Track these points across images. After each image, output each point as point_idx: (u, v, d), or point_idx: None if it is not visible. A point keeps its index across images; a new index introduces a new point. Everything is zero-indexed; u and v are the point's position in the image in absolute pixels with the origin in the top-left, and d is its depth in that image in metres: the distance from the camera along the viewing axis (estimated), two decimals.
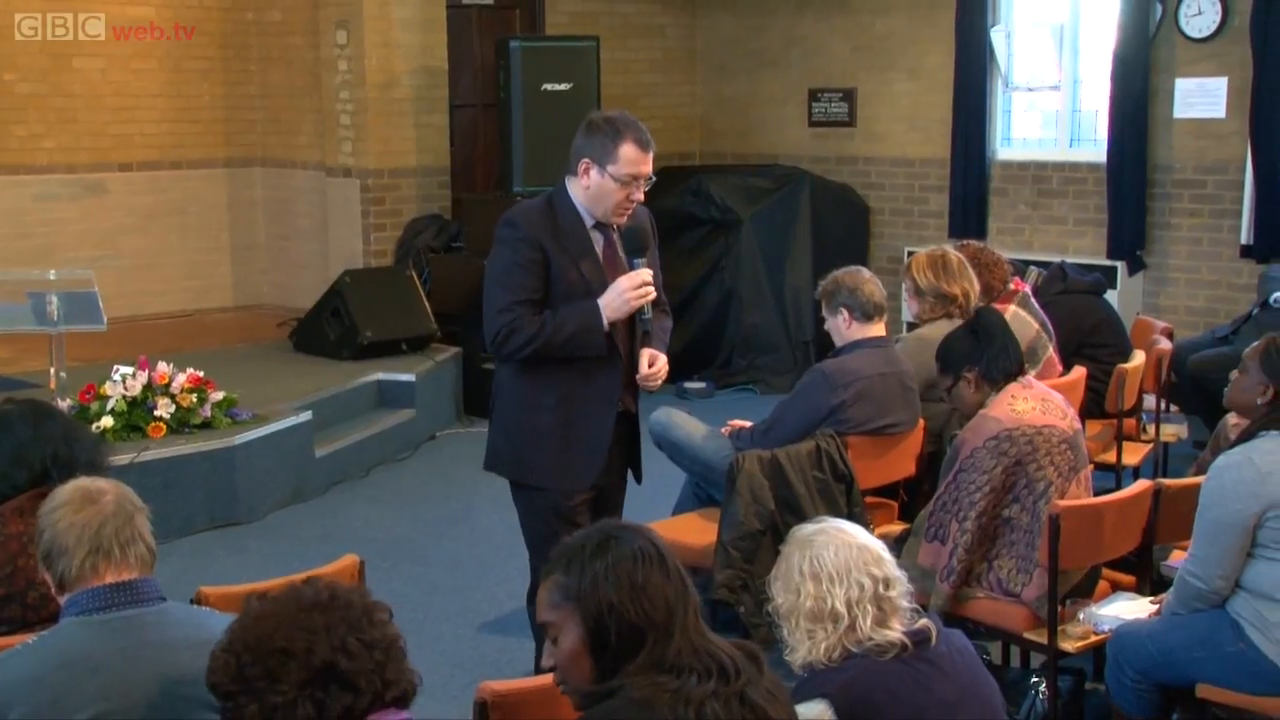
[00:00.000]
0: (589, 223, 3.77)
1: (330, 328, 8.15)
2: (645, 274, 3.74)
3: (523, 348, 3.70)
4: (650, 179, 3.74)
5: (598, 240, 3.79)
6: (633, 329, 3.85)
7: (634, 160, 3.65)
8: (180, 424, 6.28)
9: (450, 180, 9.30)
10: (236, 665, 2.06)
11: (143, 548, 2.56)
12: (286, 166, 9.81)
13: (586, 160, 3.69)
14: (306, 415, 6.83)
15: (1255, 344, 3.55)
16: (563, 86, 8.42)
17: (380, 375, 7.79)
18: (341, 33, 8.92)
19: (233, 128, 9.85)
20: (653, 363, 3.80)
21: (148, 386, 6.25)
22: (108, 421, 6.07)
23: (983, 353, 4.02)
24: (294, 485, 6.71)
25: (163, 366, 6.35)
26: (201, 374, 6.46)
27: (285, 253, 9.93)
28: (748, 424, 4.89)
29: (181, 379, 6.34)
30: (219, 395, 6.47)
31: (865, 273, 4.73)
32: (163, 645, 2.46)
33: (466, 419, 8.28)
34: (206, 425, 6.37)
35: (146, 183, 9.48)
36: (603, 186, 3.68)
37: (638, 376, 3.82)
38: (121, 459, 5.49)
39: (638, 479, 4.12)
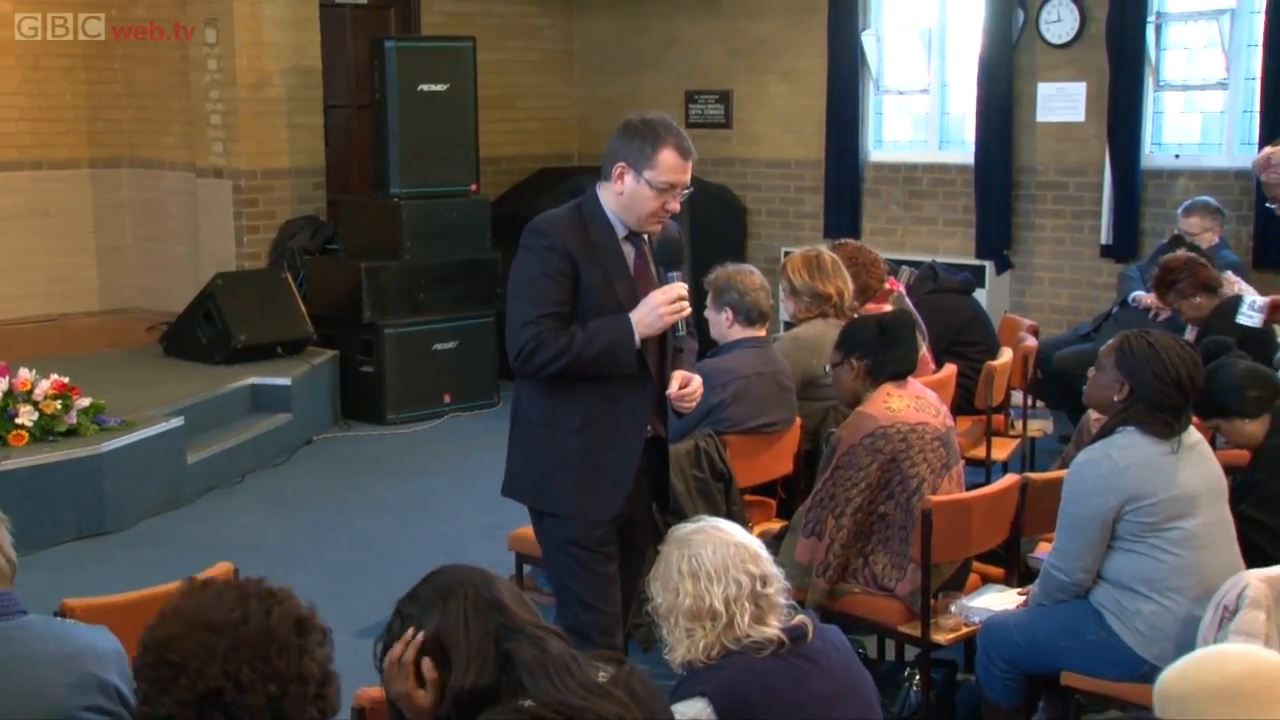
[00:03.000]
0: (621, 233, 3.52)
1: (202, 331, 7.99)
2: (680, 288, 3.47)
3: (549, 364, 3.44)
4: (689, 189, 3.50)
5: (629, 252, 3.54)
6: (664, 347, 3.60)
7: (673, 168, 3.42)
8: (44, 432, 6.11)
9: (325, 181, 9.19)
10: (140, 659, 1.98)
11: (2, 560, 2.49)
12: (155, 167, 9.59)
13: (622, 164, 3.45)
14: (178, 421, 6.69)
15: (1110, 342, 3.65)
16: (439, 87, 8.37)
17: (255, 379, 7.66)
18: (210, 31, 8.75)
19: (97, 127, 9.60)
20: (685, 384, 3.54)
21: (8, 393, 6.08)
22: None
23: (882, 351, 4.09)
24: (165, 493, 6.56)
25: (24, 373, 6.17)
26: (67, 380, 6.28)
27: (154, 255, 9.70)
28: None
29: (45, 385, 6.17)
30: (85, 402, 6.30)
31: (757, 278, 4.76)
32: (23, 660, 2.40)
33: (344, 422, 8.19)
34: (72, 432, 6.20)
35: (6, 183, 9.18)
36: (638, 194, 3.44)
37: (669, 393, 3.55)
38: None
39: (664, 507, 3.89)
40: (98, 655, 2.49)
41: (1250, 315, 5.01)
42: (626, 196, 3.46)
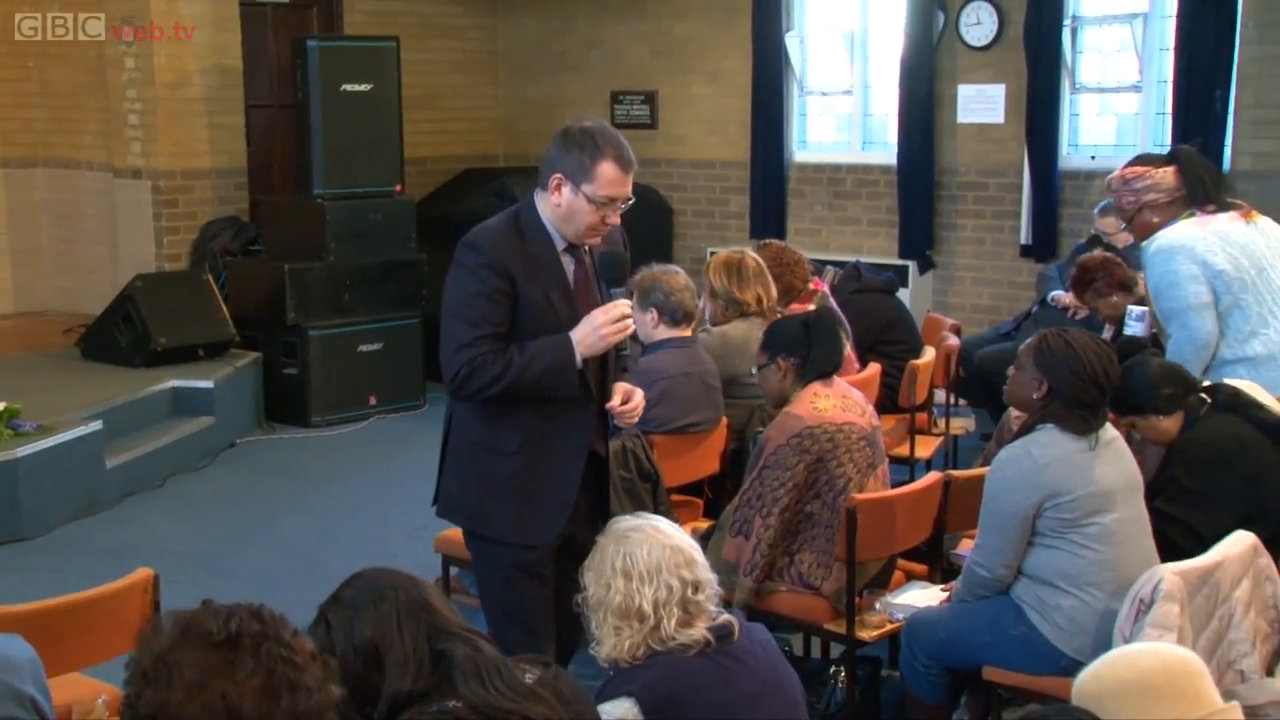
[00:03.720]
0: (560, 245, 3.38)
1: (121, 334, 7.87)
2: (624, 306, 3.34)
3: (487, 388, 3.29)
4: (629, 200, 3.37)
5: (569, 264, 3.40)
6: (605, 365, 3.46)
7: (613, 181, 3.29)
8: None
9: (248, 182, 9.08)
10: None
11: None
12: (71, 167, 9.41)
13: (560, 176, 3.30)
14: (96, 425, 6.58)
15: (1029, 341, 3.71)
16: (363, 87, 8.30)
17: (176, 382, 7.56)
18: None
19: (11, 126, 9.40)
20: (628, 398, 3.42)
21: None
22: None
23: (807, 349, 4.11)
24: (83, 498, 6.45)
25: None
26: None
27: (71, 257, 9.53)
28: None
29: None
30: (0, 406, 6.18)
31: (682, 278, 4.78)
32: None
33: (268, 425, 8.10)
34: None
35: None
36: (576, 207, 3.29)
37: (610, 407, 3.41)
38: None
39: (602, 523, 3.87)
40: (12, 665, 2.44)
41: (1134, 325, 5.08)
42: (564, 209, 3.33)
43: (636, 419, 3.48)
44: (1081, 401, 3.52)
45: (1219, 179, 4.60)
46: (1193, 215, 4.45)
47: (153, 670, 1.70)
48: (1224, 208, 4.47)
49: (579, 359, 3.30)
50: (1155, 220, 4.50)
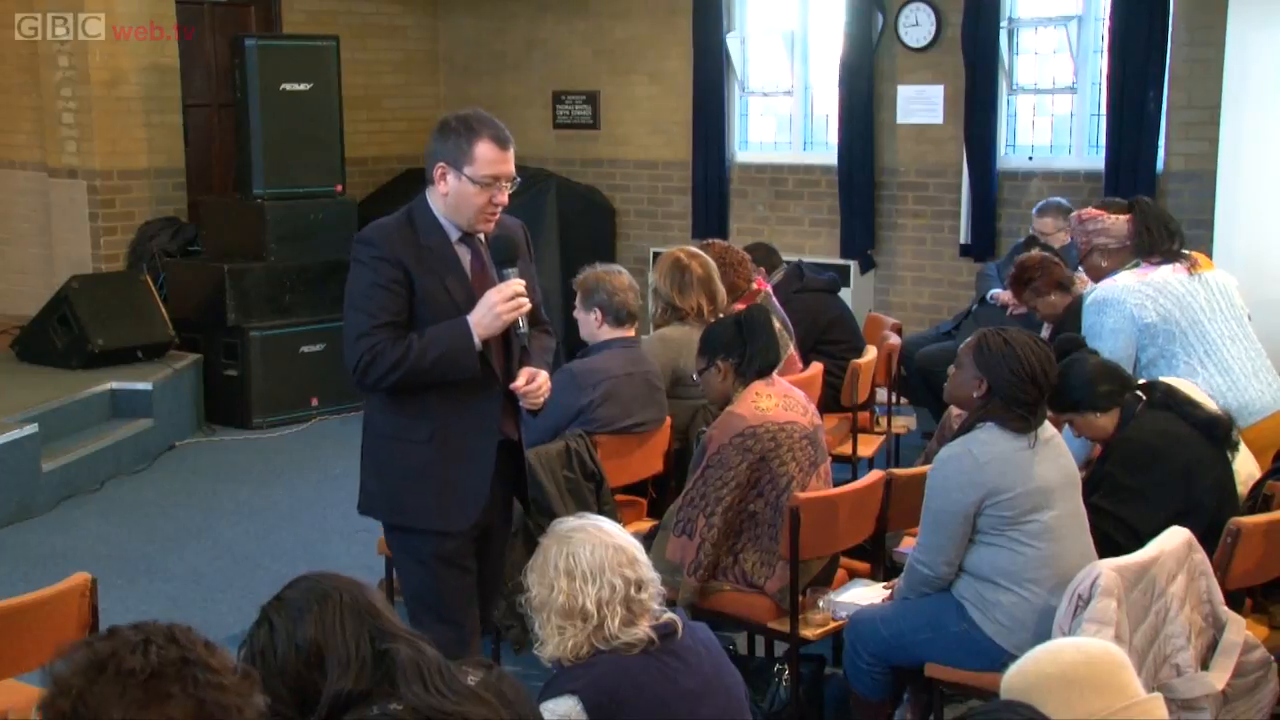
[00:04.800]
0: (454, 236, 3.44)
1: (57, 336, 7.76)
2: (517, 285, 3.38)
3: (387, 374, 3.35)
4: (515, 180, 3.44)
5: (464, 254, 3.46)
6: (509, 348, 3.51)
7: (492, 160, 3.35)
8: None
9: (186, 182, 8.98)
10: None
11: None
12: (4, 166, 9.27)
13: (442, 165, 3.38)
14: (32, 428, 6.48)
15: (969, 340, 3.75)
16: (303, 86, 8.24)
17: (114, 384, 7.47)
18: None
19: None
20: (531, 379, 3.45)
21: None
22: None
23: (743, 347, 4.12)
24: (18, 502, 6.35)
25: None
26: None
27: (5, 257, 9.39)
28: None
29: None
30: None
31: (625, 278, 4.78)
32: None
33: (208, 428, 8.02)
34: None
35: None
36: (461, 191, 3.36)
37: (514, 387, 3.45)
38: None
39: (525, 510, 3.82)
40: None
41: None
42: (452, 197, 3.39)
43: (542, 400, 3.50)
44: (1020, 400, 3.56)
45: (1172, 232, 4.75)
46: (1137, 265, 4.67)
47: (73, 714, 1.63)
48: (1170, 259, 4.63)
49: (477, 340, 3.36)
50: (1104, 265, 4.76)
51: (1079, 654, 2.27)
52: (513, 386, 3.46)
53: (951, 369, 3.75)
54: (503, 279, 3.43)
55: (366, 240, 3.44)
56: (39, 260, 9.03)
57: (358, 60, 9.43)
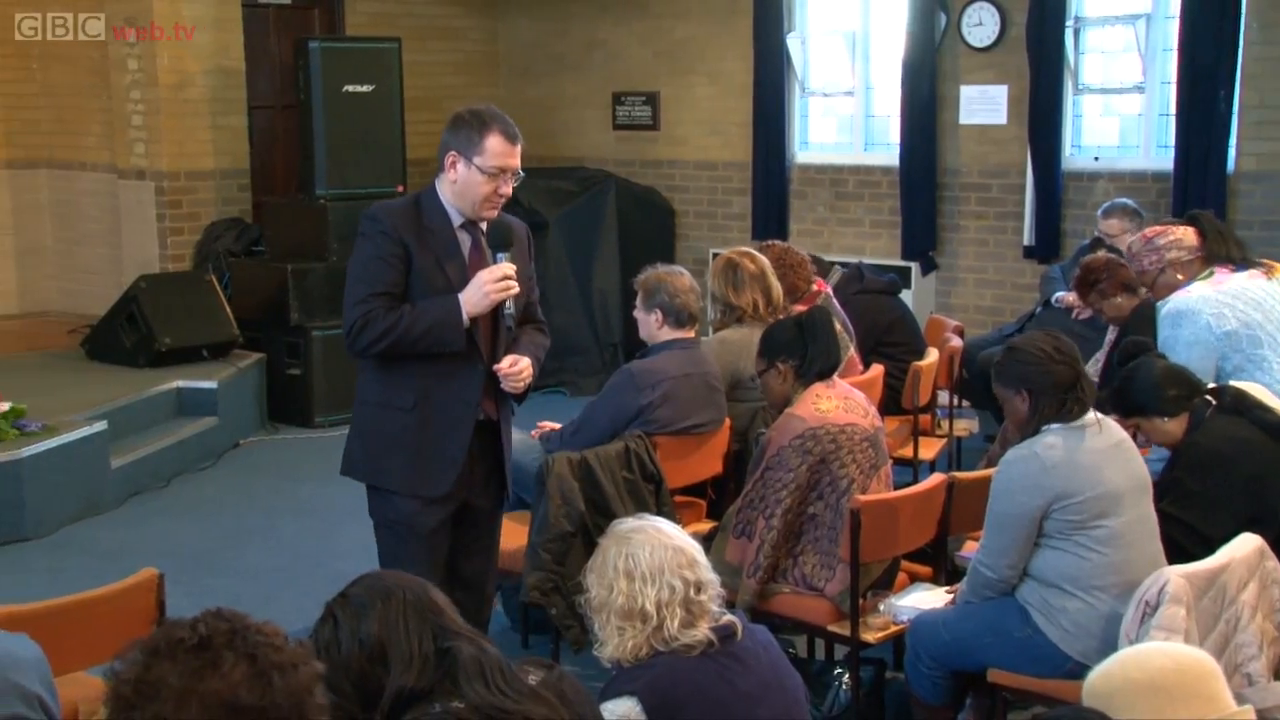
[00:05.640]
0: (456, 222, 3.66)
1: (126, 334, 7.87)
2: (507, 268, 3.60)
3: (377, 341, 3.58)
4: (519, 174, 3.63)
5: (465, 241, 3.67)
6: (496, 329, 3.70)
7: (500, 152, 3.55)
8: None
9: (250, 183, 9.08)
10: None
11: None
12: (74, 168, 9.42)
13: (453, 154, 3.59)
14: (101, 425, 6.58)
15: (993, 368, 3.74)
16: (364, 88, 8.31)
17: (180, 383, 7.57)
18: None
19: (14, 127, 9.41)
20: (515, 363, 3.67)
21: None
22: None
23: (804, 349, 4.10)
24: (87, 498, 6.45)
25: None
26: None
27: (74, 258, 9.54)
28: (556, 426, 4.91)
29: None
30: (5, 406, 6.21)
31: (687, 279, 4.76)
32: None
33: (271, 426, 8.10)
34: None
35: None
36: (469, 179, 3.57)
37: (497, 368, 3.66)
38: None
39: (505, 494, 3.94)
40: (17, 663, 2.44)
41: None
42: (460, 184, 3.59)
43: (523, 385, 3.70)
44: (1062, 383, 3.54)
45: (1238, 240, 4.73)
46: (1211, 274, 4.60)
47: (135, 694, 1.68)
48: (1243, 265, 4.58)
49: (465, 316, 3.56)
50: (1180, 278, 4.70)
51: (1168, 661, 2.22)
52: (495, 368, 3.66)
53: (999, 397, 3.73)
54: (495, 261, 3.65)
55: (372, 216, 3.67)
56: (108, 260, 9.17)
57: (418, 62, 9.48)
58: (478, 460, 3.76)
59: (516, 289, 3.62)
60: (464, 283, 3.60)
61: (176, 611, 2.14)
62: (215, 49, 8.75)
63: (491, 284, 3.57)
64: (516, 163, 3.61)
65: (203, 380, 7.61)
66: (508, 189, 3.62)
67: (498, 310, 3.64)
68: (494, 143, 3.55)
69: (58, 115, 9.42)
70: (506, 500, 4.00)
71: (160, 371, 7.64)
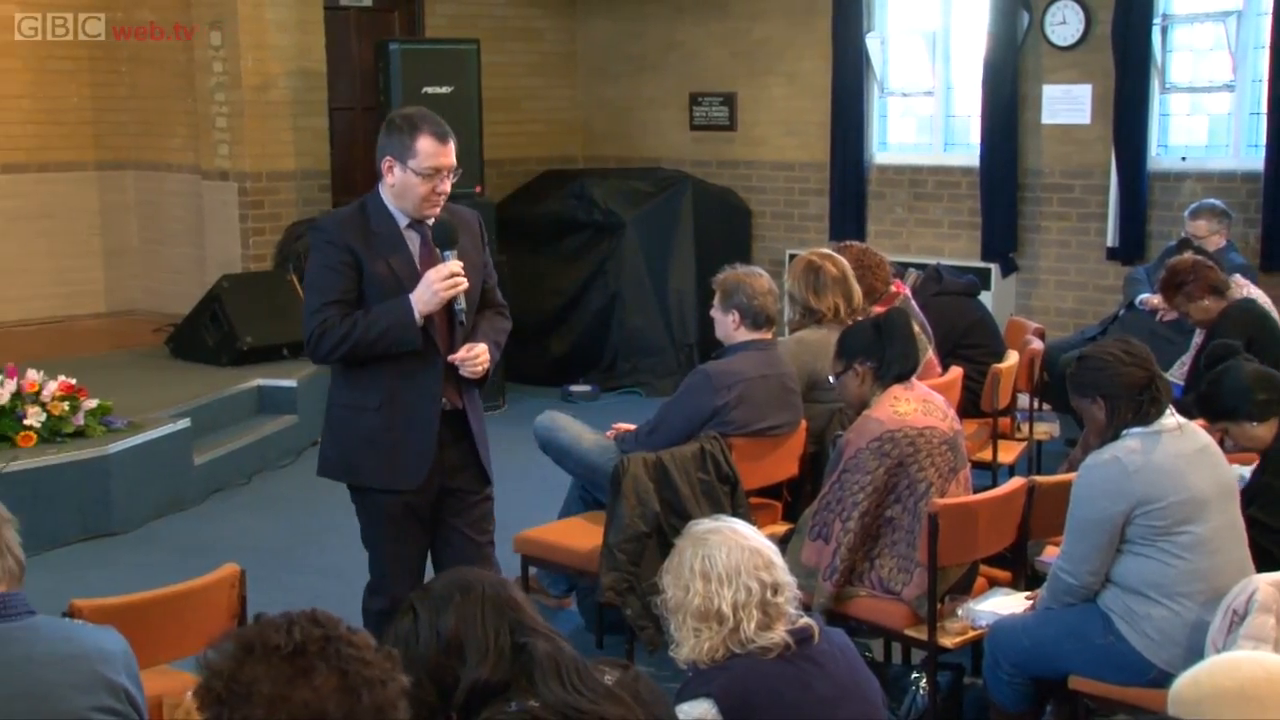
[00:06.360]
0: (403, 223, 3.79)
1: (208, 333, 8.00)
2: (454, 265, 3.72)
3: (336, 347, 3.72)
4: (456, 171, 3.76)
5: (414, 239, 3.80)
6: (451, 324, 3.83)
7: (432, 153, 3.68)
8: (52, 433, 6.12)
9: (331, 184, 9.18)
10: None
11: (11, 561, 2.48)
12: (159, 169, 9.59)
13: (389, 159, 3.73)
14: (184, 422, 6.69)
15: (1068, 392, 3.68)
16: (444, 89, 8.37)
17: (261, 381, 7.67)
18: (215, 34, 8.76)
19: (102, 129, 9.60)
20: (470, 350, 3.80)
21: (16, 395, 6.08)
22: None
23: (881, 351, 4.08)
24: (171, 494, 6.56)
25: (32, 374, 6.17)
26: (74, 381, 6.29)
27: (159, 257, 9.71)
28: (632, 427, 4.91)
29: (53, 387, 6.17)
30: (92, 403, 6.31)
31: (766, 281, 4.74)
32: (29, 660, 2.39)
33: None
34: (79, 434, 6.21)
35: (11, 186, 9.19)
36: (406, 182, 3.71)
37: (453, 358, 3.79)
38: None
39: (483, 480, 4.03)
40: (105, 656, 2.48)
41: None
42: (398, 187, 3.73)
43: (481, 369, 3.83)
44: (1136, 384, 3.49)
45: None
46: None
47: (227, 692, 1.72)
48: None
49: (418, 315, 3.69)
50: None
51: (1260, 669, 2.16)
52: (451, 358, 3.79)
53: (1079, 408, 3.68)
54: (444, 260, 3.75)
55: (319, 228, 3.87)
56: (191, 260, 9.32)
57: (496, 62, 9.53)
58: (449, 447, 3.90)
59: (465, 285, 3.74)
60: (414, 280, 3.72)
61: (257, 607, 2.17)
62: (297, 51, 8.86)
63: (440, 282, 3.69)
64: (450, 160, 3.73)
65: (283, 379, 7.71)
66: (445, 186, 3.74)
67: (450, 306, 3.76)
68: (425, 144, 3.68)
69: (144, 117, 9.60)
70: (490, 483, 4.09)
71: (242, 370, 7.75)
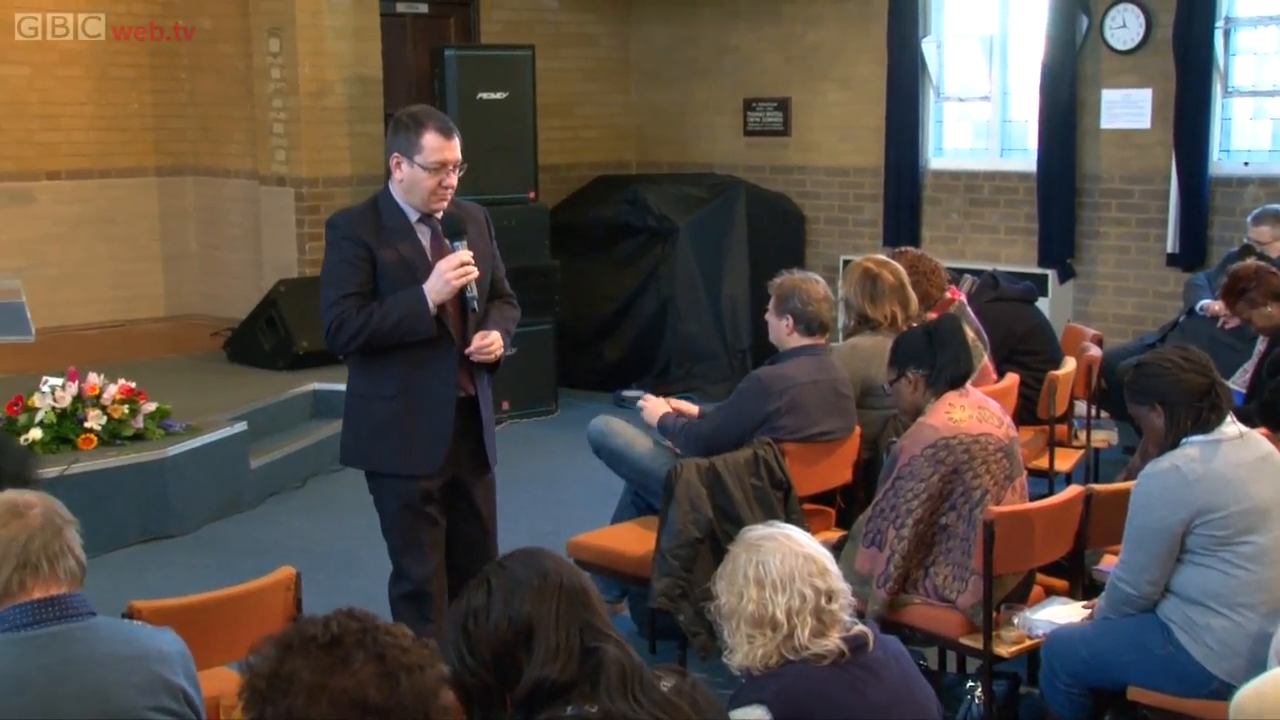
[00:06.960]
0: (413, 217, 3.93)
1: (265, 338, 8.07)
2: (464, 255, 3.86)
3: (354, 337, 3.85)
4: (461, 165, 3.92)
5: (424, 233, 3.95)
6: (464, 313, 3.95)
7: (437, 148, 3.84)
8: (112, 436, 6.20)
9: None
10: None
11: (72, 562, 2.51)
12: (218, 175, 9.71)
13: (396, 155, 3.87)
14: (241, 426, 6.76)
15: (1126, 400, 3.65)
16: (499, 95, 8.40)
17: (316, 385, 7.73)
18: (274, 41, 8.85)
19: (162, 136, 9.73)
20: (483, 338, 3.93)
21: (78, 398, 6.17)
22: (36, 434, 5.98)
23: (933, 357, 4.05)
24: (228, 497, 6.63)
25: (93, 378, 6.26)
26: (133, 385, 6.37)
27: (217, 262, 9.82)
28: (689, 408, 4.95)
29: (113, 390, 6.26)
30: (151, 406, 6.39)
31: (822, 288, 4.72)
32: (90, 660, 2.42)
33: None
34: (139, 437, 6.29)
35: (73, 191, 9.33)
36: (414, 177, 3.86)
37: (467, 350, 3.92)
38: (50, 471, 5.41)
39: (487, 465, 4.15)
40: (163, 657, 2.51)
41: None
42: (406, 182, 3.88)
43: (494, 355, 3.96)
44: (1195, 391, 3.45)
45: None
46: None
47: (269, 688, 1.76)
48: None
49: (431, 305, 3.84)
50: None
51: None
52: (467, 350, 3.93)
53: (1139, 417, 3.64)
54: (453, 250, 3.89)
55: (333, 224, 3.98)
56: (248, 265, 9.41)
57: (550, 68, 9.57)
58: (462, 436, 4.02)
59: (475, 273, 3.88)
60: (427, 271, 3.86)
61: (312, 609, 2.18)
62: (354, 58, 8.93)
63: (451, 271, 3.82)
64: (455, 155, 3.88)
65: (338, 383, 7.65)
66: (452, 180, 3.90)
67: (462, 294, 3.90)
68: (430, 140, 3.83)
69: (203, 124, 9.72)
70: (490, 469, 4.19)
71: (298, 374, 7.83)
